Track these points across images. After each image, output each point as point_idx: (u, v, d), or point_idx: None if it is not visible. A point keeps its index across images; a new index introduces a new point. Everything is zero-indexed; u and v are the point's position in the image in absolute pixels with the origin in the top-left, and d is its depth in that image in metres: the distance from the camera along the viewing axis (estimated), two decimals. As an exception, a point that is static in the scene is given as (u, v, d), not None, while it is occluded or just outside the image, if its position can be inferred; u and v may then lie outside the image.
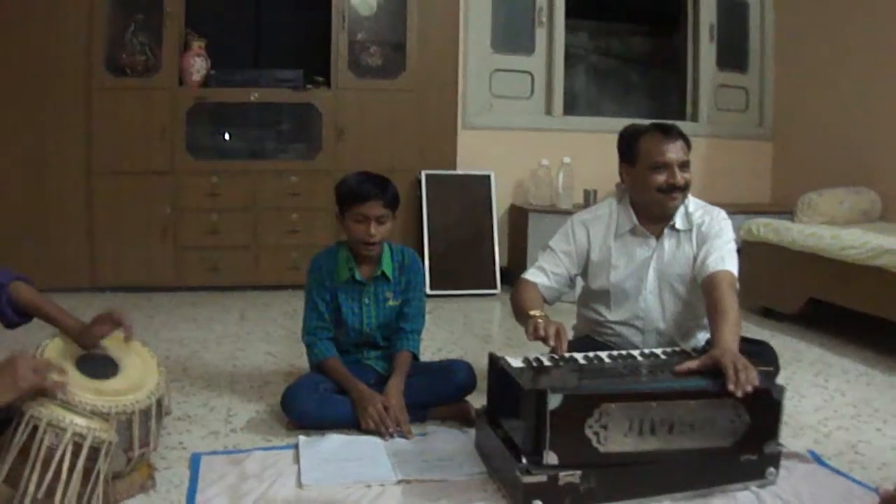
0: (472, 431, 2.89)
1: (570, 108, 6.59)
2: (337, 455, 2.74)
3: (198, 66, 5.53)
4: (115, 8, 5.48)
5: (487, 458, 2.67)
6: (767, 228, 5.01)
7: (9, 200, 5.33)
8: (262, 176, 5.66)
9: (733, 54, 6.81)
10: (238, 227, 5.63)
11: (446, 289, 5.65)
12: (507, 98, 6.34)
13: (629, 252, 3.11)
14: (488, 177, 6.01)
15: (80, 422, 2.07)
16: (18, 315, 2.54)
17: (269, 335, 4.53)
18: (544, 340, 2.67)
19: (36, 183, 5.36)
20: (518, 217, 6.05)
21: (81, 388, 2.24)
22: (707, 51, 6.69)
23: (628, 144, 3.07)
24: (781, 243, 4.89)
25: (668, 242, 3.08)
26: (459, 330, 4.78)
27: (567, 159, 5.89)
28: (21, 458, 2.01)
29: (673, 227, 3.07)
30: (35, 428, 2.02)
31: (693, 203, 3.11)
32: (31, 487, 1.99)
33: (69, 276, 5.32)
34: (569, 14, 6.37)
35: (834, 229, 4.70)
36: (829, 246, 4.52)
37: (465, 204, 5.96)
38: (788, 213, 5.44)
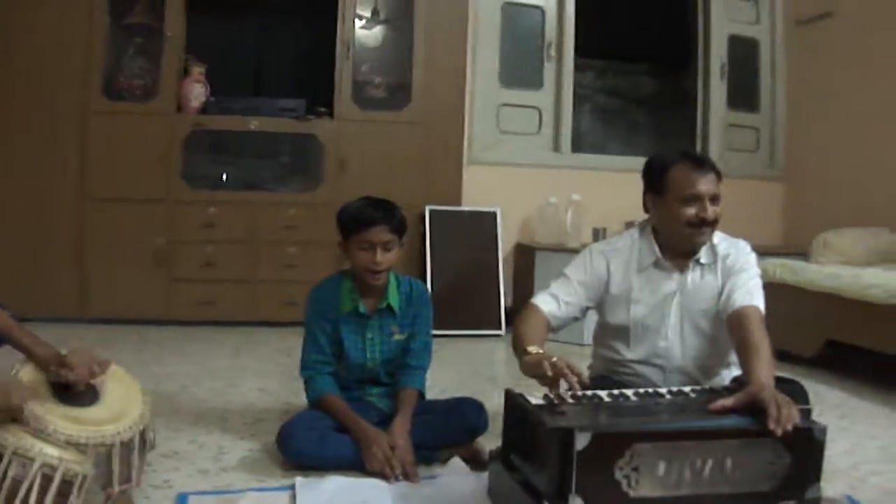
0: (484, 475, 2.65)
1: (576, 148, 6.43)
2: (337, 498, 2.52)
3: (197, 92, 5.40)
4: (115, 31, 5.38)
5: (502, 504, 2.44)
6: (783, 269, 4.85)
7: (-1, 224, 5.18)
8: (261, 207, 5.48)
9: (744, 93, 6.73)
10: (234, 260, 5.44)
11: (449, 328, 5.39)
12: (515, 133, 6.21)
13: (652, 286, 2.92)
14: (494, 213, 5.83)
15: (52, 451, 1.85)
16: None
17: (264, 371, 4.31)
18: (554, 380, 2.38)
19: (27, 207, 5.22)
20: (524, 255, 5.87)
21: (57, 415, 2.02)
22: (718, 89, 6.61)
23: (657, 173, 2.88)
24: (798, 284, 4.72)
25: (692, 276, 2.90)
26: (465, 370, 4.56)
27: (576, 196, 5.74)
28: (-18, 490, 1.78)
29: (697, 261, 2.89)
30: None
31: (717, 235, 2.93)
32: (-7, 524, 1.76)
33: (58, 304, 5.15)
34: (575, 53, 6.28)
35: (854, 269, 4.56)
36: (850, 286, 4.35)
37: (470, 241, 5.77)
38: (801, 254, 5.33)
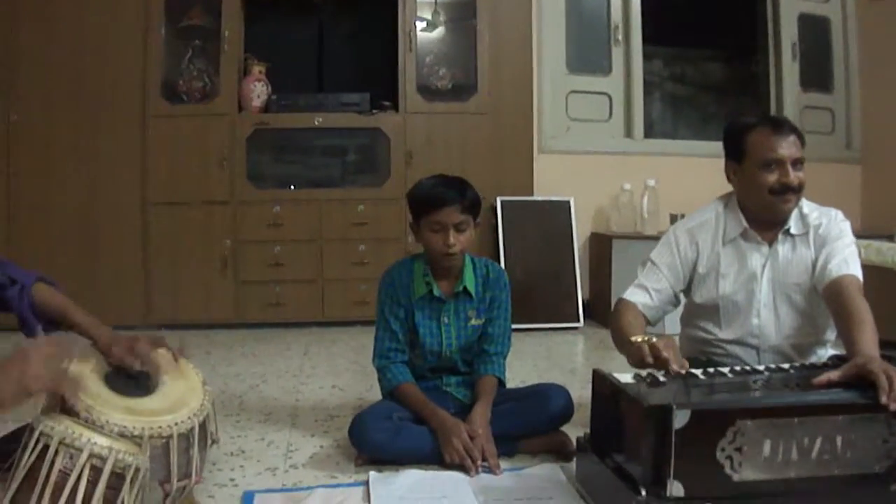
0: (570, 465, 2.48)
1: (647, 135, 6.21)
2: (414, 493, 2.35)
3: (258, 91, 5.31)
4: (172, 34, 5.32)
5: (593, 494, 2.25)
6: (868, 249, 4.57)
7: (60, 232, 5.14)
8: (328, 205, 5.35)
9: (817, 74, 6.46)
10: (302, 260, 5.32)
11: (525, 322, 5.19)
12: (585, 121, 6.01)
13: (740, 259, 2.74)
14: (567, 203, 5.63)
15: (101, 442, 1.69)
16: (43, 322, 2.18)
17: (335, 369, 4.17)
18: (657, 361, 2.25)
19: (88, 213, 5.17)
20: (600, 245, 5.65)
21: (109, 405, 1.87)
22: (790, 71, 6.35)
23: (735, 140, 2.71)
24: (885, 264, 4.46)
25: (782, 248, 2.71)
26: (543, 364, 4.36)
27: (651, 182, 5.50)
28: (28, 483, 1.64)
29: (787, 232, 2.70)
30: (45, 447, 1.64)
31: (807, 204, 2.75)
32: (39, 519, 1.61)
33: (122, 312, 5.00)
34: (642, 41, 6.08)
35: (947, 246, 4.29)
36: (938, 265, 4.09)
37: (544, 232, 5.58)
38: (884, 237, 5.03)
